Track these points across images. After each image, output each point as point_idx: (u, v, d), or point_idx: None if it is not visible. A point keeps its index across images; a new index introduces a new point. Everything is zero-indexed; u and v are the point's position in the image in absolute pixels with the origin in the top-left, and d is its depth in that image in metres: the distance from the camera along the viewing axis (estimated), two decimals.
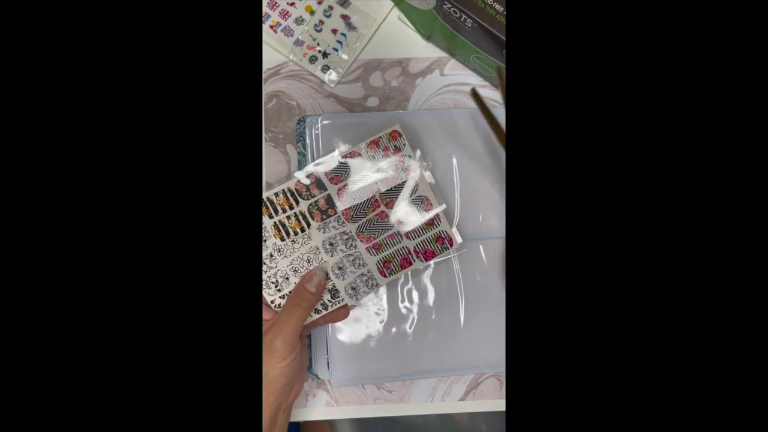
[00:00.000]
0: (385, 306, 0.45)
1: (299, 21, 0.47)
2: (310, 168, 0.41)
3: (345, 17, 0.47)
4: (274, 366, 0.36)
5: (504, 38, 0.37)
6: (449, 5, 0.38)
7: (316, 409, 0.46)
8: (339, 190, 0.41)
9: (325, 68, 0.47)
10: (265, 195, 0.40)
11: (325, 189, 0.41)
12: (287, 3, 0.47)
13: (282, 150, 0.46)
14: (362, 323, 0.45)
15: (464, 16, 0.37)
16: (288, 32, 0.47)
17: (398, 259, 0.42)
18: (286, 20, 0.47)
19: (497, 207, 0.46)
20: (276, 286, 0.41)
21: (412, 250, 0.42)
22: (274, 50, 0.47)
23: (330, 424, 1.04)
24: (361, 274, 0.42)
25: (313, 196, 0.41)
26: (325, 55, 0.47)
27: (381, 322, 0.45)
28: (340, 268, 0.42)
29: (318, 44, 0.47)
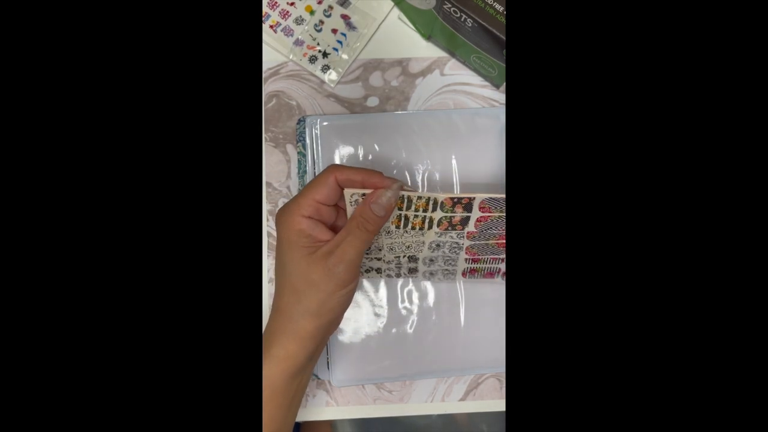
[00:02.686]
0: (386, 307, 0.45)
1: (299, 21, 0.47)
2: (480, 194, 0.37)
3: (345, 17, 0.47)
4: (334, 294, 0.33)
5: (504, 38, 0.37)
6: (449, 5, 0.38)
7: (316, 409, 0.46)
8: (481, 217, 0.38)
9: (325, 68, 0.47)
10: (407, 193, 0.36)
11: (470, 212, 0.38)
12: (287, 3, 0.47)
13: (282, 150, 0.46)
14: (362, 324, 0.45)
15: (464, 16, 0.37)
16: (288, 32, 0.47)
17: (484, 272, 0.43)
18: (286, 20, 0.47)
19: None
20: (366, 251, 0.40)
21: (502, 271, 0.43)
22: (274, 50, 0.47)
23: (330, 424, 1.04)
24: (446, 269, 0.43)
25: (454, 213, 0.38)
26: (325, 54, 0.47)
27: (381, 323, 0.45)
28: (431, 260, 0.42)
29: (318, 44, 0.47)
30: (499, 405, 0.46)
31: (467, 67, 0.47)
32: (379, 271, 0.43)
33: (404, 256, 0.41)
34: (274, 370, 0.34)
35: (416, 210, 0.37)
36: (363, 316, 0.45)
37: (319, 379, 0.45)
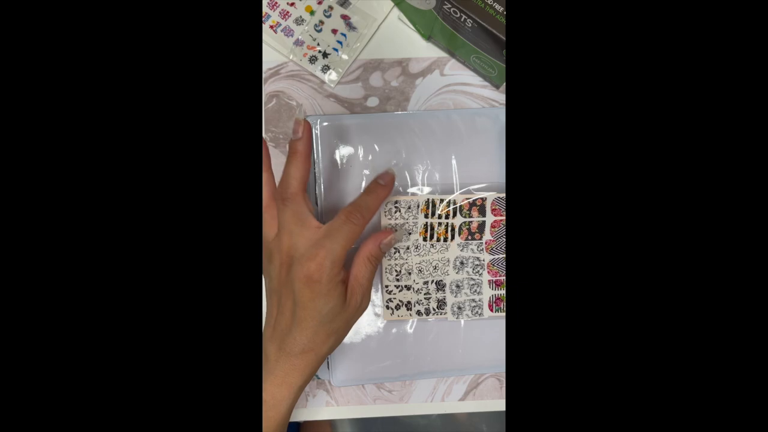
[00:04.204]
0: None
1: (299, 21, 0.47)
2: (489, 192, 0.41)
3: (345, 17, 0.47)
4: (355, 320, 0.38)
5: (504, 38, 0.37)
6: (449, 5, 0.38)
7: (316, 409, 0.46)
8: (495, 222, 0.42)
9: (325, 68, 0.47)
10: (431, 197, 0.42)
11: (485, 215, 0.42)
12: (287, 3, 0.47)
13: (282, 150, 0.46)
14: (362, 324, 0.45)
15: (464, 17, 0.38)
16: (288, 32, 0.47)
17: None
18: (286, 20, 0.47)
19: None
20: (396, 276, 0.43)
21: None
22: (274, 50, 0.47)
23: (330, 424, 1.04)
24: (473, 299, 0.44)
25: (471, 217, 0.42)
26: (325, 55, 0.47)
27: (381, 323, 0.45)
28: (458, 287, 0.44)
29: (318, 44, 0.47)
30: (498, 405, 0.46)
31: (467, 68, 0.47)
32: (408, 306, 0.44)
33: (432, 282, 0.44)
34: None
35: (440, 217, 0.42)
36: (363, 317, 0.45)
37: (319, 379, 0.45)
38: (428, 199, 0.42)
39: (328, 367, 0.45)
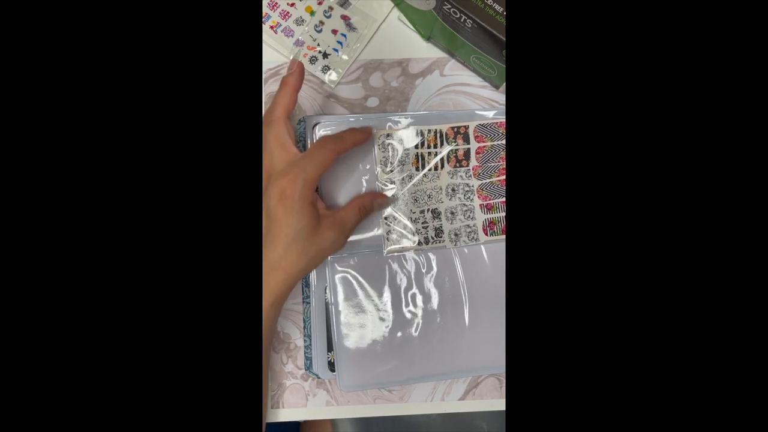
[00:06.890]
0: (390, 311, 0.45)
1: (299, 21, 0.47)
2: (472, 120, 0.45)
3: (345, 18, 0.47)
4: (325, 254, 0.40)
5: (504, 39, 0.37)
6: (449, 6, 0.38)
7: (317, 408, 0.46)
8: (479, 148, 0.45)
9: (326, 69, 0.47)
10: (421, 127, 0.45)
11: (469, 143, 0.45)
12: (287, 3, 0.47)
13: None
14: (368, 329, 0.45)
15: (464, 17, 0.38)
16: (288, 33, 0.47)
17: (502, 225, 0.46)
18: (286, 21, 0.47)
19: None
20: (393, 207, 0.45)
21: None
22: (274, 51, 0.47)
23: (331, 423, 1.04)
24: (467, 225, 0.46)
25: (457, 144, 0.45)
26: (325, 55, 0.47)
27: (386, 327, 0.45)
28: (452, 213, 0.45)
29: (318, 45, 0.47)
30: (498, 404, 0.46)
31: (467, 68, 0.47)
32: (417, 233, 0.45)
33: (428, 211, 0.45)
34: (280, 280, 0.38)
35: (428, 147, 0.45)
36: (368, 322, 0.45)
37: (318, 378, 0.45)
38: (417, 129, 0.45)
39: (328, 368, 0.45)
